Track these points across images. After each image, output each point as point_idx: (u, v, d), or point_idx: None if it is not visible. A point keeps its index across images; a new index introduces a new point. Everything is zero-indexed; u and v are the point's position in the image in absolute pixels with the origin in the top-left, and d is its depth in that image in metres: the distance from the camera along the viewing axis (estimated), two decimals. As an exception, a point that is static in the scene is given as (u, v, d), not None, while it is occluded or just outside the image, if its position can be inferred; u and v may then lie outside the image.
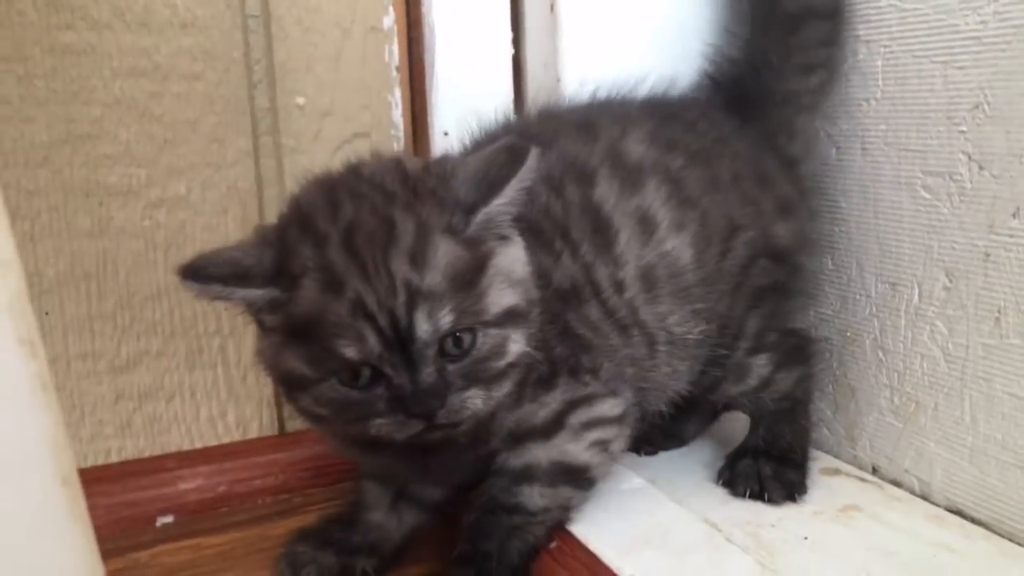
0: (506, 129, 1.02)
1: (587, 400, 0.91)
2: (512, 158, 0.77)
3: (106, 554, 0.51)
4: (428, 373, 0.74)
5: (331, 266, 0.74)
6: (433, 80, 1.20)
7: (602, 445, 0.92)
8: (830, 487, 1.05)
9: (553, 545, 0.91)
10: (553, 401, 0.89)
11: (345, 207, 0.77)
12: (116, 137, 1.09)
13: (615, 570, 0.84)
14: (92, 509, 0.49)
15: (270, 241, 0.77)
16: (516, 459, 0.89)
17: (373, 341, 0.73)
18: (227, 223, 1.15)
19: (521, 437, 0.89)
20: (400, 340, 0.73)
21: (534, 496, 0.89)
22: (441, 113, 1.20)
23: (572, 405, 0.90)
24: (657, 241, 0.94)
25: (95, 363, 1.12)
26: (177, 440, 1.17)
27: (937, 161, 0.97)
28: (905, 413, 1.04)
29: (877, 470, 1.08)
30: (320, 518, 1.02)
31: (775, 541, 0.91)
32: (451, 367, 0.76)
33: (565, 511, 0.92)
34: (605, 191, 0.94)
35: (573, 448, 0.90)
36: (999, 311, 0.91)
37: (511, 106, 1.24)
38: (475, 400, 0.78)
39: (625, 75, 1.17)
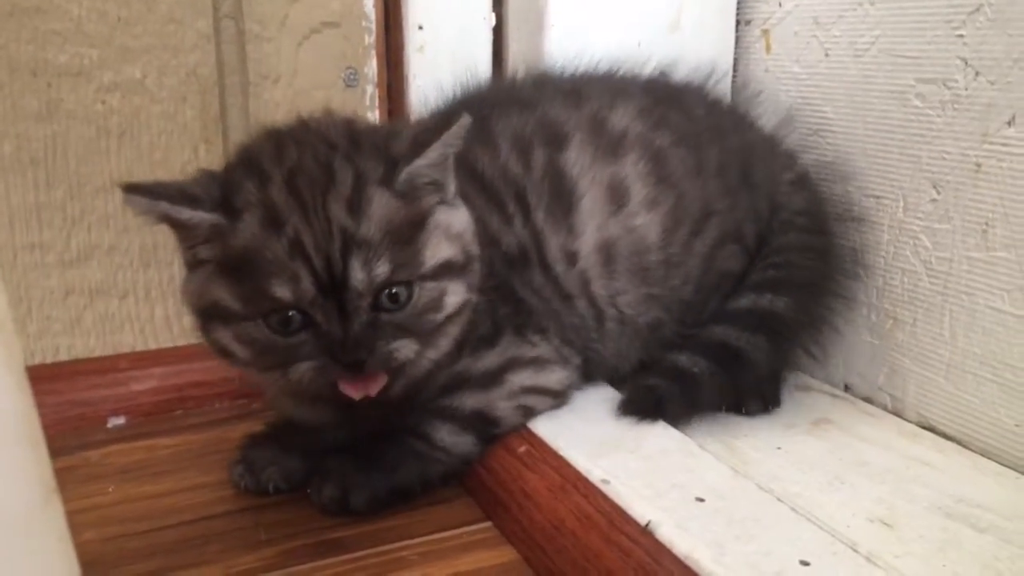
0: (491, 89, 1.04)
1: (535, 363, 0.91)
2: (442, 124, 0.79)
3: (55, 452, 0.48)
4: (360, 323, 0.75)
5: (273, 204, 0.75)
6: (408, -31, 1.13)
7: (528, 411, 0.92)
8: (802, 402, 1.03)
9: (522, 449, 0.88)
10: (493, 355, 0.89)
11: (290, 152, 0.78)
12: (66, 13, 1.01)
13: (584, 473, 0.82)
14: (39, 408, 0.47)
15: (217, 177, 0.78)
16: (442, 400, 0.88)
17: (307, 284, 0.74)
18: (185, 112, 1.08)
19: (454, 388, 0.88)
20: (334, 287, 0.74)
21: (442, 432, 0.87)
22: (416, 5, 1.14)
23: (516, 363, 0.90)
24: (626, 215, 0.93)
25: (43, 255, 1.06)
26: (130, 340, 1.12)
27: (932, 68, 0.93)
28: (881, 330, 1.02)
29: (849, 387, 1.07)
30: (269, 424, 0.97)
31: (748, 450, 0.89)
32: (385, 317, 0.76)
33: (460, 462, 0.89)
34: (575, 156, 0.93)
35: (502, 404, 0.89)
36: (987, 223, 0.89)
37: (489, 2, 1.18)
38: (405, 350, 0.78)
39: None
